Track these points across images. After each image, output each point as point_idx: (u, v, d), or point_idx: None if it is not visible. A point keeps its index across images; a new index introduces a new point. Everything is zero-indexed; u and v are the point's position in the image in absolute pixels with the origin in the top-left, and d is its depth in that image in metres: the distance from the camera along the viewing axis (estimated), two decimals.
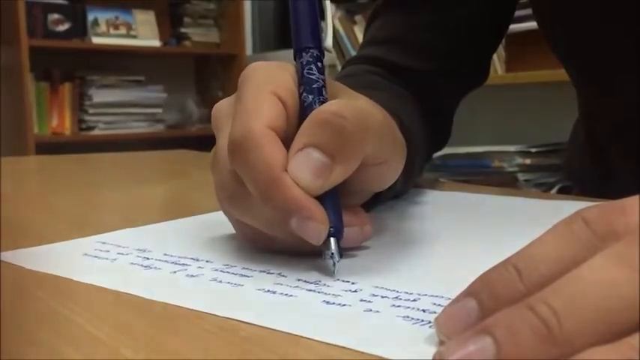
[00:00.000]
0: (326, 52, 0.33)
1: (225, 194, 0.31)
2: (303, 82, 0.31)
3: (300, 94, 0.30)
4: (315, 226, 0.27)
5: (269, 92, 0.29)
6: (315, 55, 0.32)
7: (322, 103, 0.30)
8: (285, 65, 0.32)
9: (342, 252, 0.28)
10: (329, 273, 0.28)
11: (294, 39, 0.33)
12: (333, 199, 0.29)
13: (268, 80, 0.30)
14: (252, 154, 0.27)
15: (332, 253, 0.28)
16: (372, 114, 0.29)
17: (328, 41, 0.34)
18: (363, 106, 0.30)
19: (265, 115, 0.28)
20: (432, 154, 0.60)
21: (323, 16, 0.35)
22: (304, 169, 0.27)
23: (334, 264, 0.28)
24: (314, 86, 0.30)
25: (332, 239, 0.28)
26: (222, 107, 0.32)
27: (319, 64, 0.32)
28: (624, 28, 0.48)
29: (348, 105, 0.28)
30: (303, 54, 0.32)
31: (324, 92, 0.31)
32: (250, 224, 0.30)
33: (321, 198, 0.28)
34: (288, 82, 0.30)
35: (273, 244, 0.30)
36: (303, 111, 0.30)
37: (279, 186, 0.27)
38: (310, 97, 0.30)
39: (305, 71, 0.31)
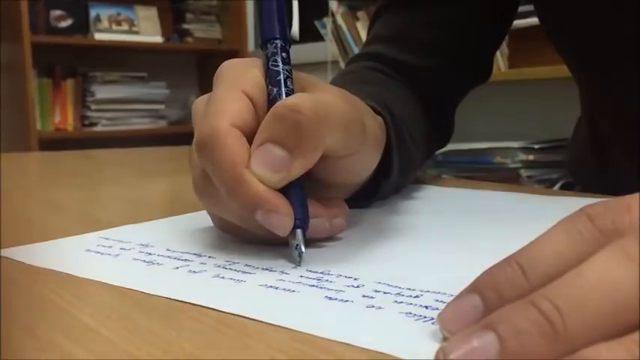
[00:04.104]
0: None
1: (198, 189, 0.32)
2: (268, 74, 0.31)
3: (267, 88, 0.31)
4: (279, 218, 0.28)
5: (237, 90, 0.30)
6: (279, 45, 0.32)
7: (288, 94, 0.30)
8: (255, 61, 0.33)
9: (308, 242, 0.29)
10: (295, 262, 0.29)
11: (260, 31, 0.33)
12: (298, 191, 0.29)
13: (237, 78, 0.31)
14: (217, 152, 0.28)
15: (297, 244, 0.29)
16: (334, 106, 0.30)
17: (294, 29, 0.34)
18: (325, 98, 0.30)
19: (230, 113, 0.29)
20: (435, 150, 0.60)
21: (291, 8, 0.35)
22: (264, 164, 0.28)
23: (299, 254, 0.29)
24: (277, 78, 0.31)
25: (298, 230, 0.29)
26: (199, 105, 0.33)
27: (284, 54, 0.32)
28: (626, 27, 0.48)
29: (305, 98, 0.29)
30: (268, 45, 0.32)
31: (288, 83, 0.31)
32: (223, 217, 0.32)
33: (286, 190, 0.29)
34: (257, 78, 0.31)
35: (246, 234, 0.32)
36: (269, 104, 0.30)
37: (241, 182, 0.28)
38: (275, 90, 0.31)
39: (270, 63, 0.32)
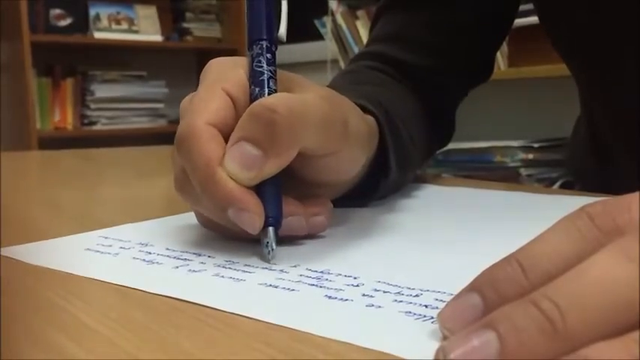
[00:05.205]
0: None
1: (177, 185, 0.32)
2: (252, 75, 0.32)
3: (250, 88, 0.31)
4: (249, 217, 0.28)
5: (219, 89, 0.31)
6: (264, 46, 0.32)
7: (270, 94, 0.31)
8: (241, 61, 0.33)
9: (279, 240, 0.30)
10: (265, 260, 0.29)
11: (247, 32, 0.34)
12: (272, 190, 0.30)
13: (220, 77, 0.31)
14: (192, 150, 0.29)
15: (267, 242, 0.29)
16: (312, 106, 0.30)
17: (281, 31, 0.34)
18: (305, 98, 0.30)
19: (209, 111, 0.30)
20: (436, 149, 0.60)
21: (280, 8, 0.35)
22: (237, 162, 0.28)
23: (269, 252, 0.29)
24: (260, 79, 0.31)
25: (270, 228, 0.29)
26: (185, 103, 0.33)
27: (269, 55, 0.32)
28: (626, 26, 0.48)
29: (283, 98, 0.29)
30: (254, 46, 0.33)
31: (271, 84, 0.31)
32: (202, 213, 0.32)
33: (261, 188, 0.29)
34: (240, 77, 0.32)
35: (225, 230, 0.32)
36: (251, 104, 0.30)
37: (214, 180, 0.28)
38: (257, 89, 0.31)
39: (254, 64, 0.32)
